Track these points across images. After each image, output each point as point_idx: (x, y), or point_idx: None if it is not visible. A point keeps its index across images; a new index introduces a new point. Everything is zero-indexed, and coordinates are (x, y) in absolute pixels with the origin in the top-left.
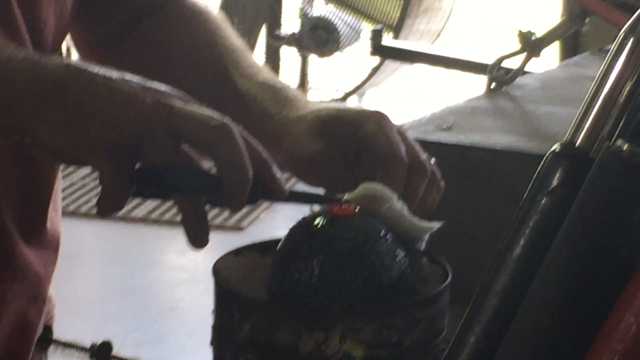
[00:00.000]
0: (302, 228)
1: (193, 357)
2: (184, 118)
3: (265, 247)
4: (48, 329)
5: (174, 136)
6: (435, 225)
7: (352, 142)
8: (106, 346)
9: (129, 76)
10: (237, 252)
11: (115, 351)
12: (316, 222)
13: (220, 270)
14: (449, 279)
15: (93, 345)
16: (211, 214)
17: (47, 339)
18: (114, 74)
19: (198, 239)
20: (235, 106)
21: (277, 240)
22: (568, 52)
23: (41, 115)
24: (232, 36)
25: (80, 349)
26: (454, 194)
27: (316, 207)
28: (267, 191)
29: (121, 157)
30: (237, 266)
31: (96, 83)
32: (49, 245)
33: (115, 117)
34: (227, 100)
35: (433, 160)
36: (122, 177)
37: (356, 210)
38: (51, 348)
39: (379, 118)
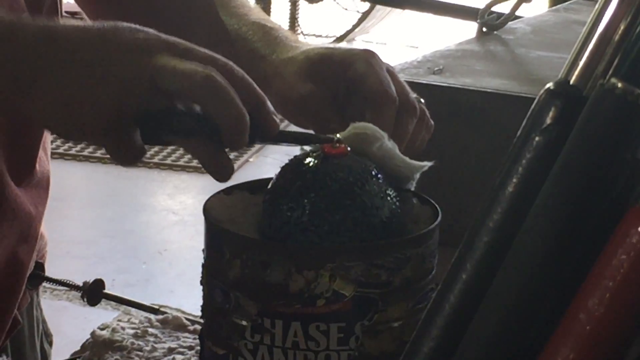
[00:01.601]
0: (294, 166)
1: (182, 299)
2: (167, 77)
3: (256, 186)
4: (40, 266)
5: (162, 95)
6: (426, 164)
7: (342, 82)
8: (98, 284)
9: (111, 25)
10: (228, 192)
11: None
12: (307, 160)
13: (210, 209)
14: (438, 219)
15: (85, 283)
16: None
17: (39, 277)
18: (91, 30)
19: (221, 173)
20: (224, 47)
21: (268, 180)
22: None
23: (27, 96)
24: None
25: (73, 286)
26: (444, 136)
27: (308, 148)
28: (263, 129)
29: (117, 131)
30: (227, 205)
31: (72, 60)
32: (39, 185)
33: (98, 98)
34: (216, 40)
35: (422, 100)
36: (125, 146)
37: (348, 150)
38: (43, 286)
39: (368, 57)
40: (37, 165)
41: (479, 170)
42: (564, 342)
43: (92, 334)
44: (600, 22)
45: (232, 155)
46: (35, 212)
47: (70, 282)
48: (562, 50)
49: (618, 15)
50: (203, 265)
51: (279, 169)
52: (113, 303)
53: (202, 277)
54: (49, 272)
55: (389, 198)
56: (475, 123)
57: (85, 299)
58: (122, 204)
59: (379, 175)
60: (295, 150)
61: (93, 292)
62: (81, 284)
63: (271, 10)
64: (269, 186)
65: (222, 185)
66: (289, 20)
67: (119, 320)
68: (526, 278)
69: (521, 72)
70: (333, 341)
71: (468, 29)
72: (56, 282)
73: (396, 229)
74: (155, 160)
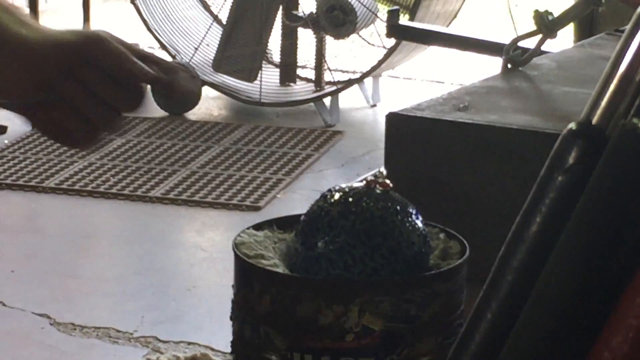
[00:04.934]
0: (337, 192)
1: (211, 336)
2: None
3: (285, 222)
4: None
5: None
6: None
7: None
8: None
9: None
10: (258, 227)
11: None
12: (350, 189)
13: (240, 244)
14: (466, 254)
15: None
16: (228, 194)
17: None
18: None
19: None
20: None
21: (297, 216)
22: (584, 33)
23: None
24: None
25: None
26: (470, 172)
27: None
28: None
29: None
30: (257, 241)
31: None
32: None
33: None
34: None
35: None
36: None
37: (391, 186)
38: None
39: (99, 44)
40: None
41: (504, 206)
42: None
43: None
44: (621, 61)
45: (260, 192)
46: None
47: None
48: (587, 86)
49: (639, 55)
50: (233, 301)
51: (306, 206)
52: (142, 340)
53: (231, 312)
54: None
55: (423, 237)
56: (500, 159)
57: None
58: (150, 241)
59: (418, 214)
60: (325, 187)
61: None
62: None
63: (297, 45)
64: (305, 213)
65: (251, 222)
66: (315, 56)
67: (148, 358)
68: (550, 317)
69: (546, 108)
70: None
71: (493, 64)
72: None
73: (425, 266)
74: (183, 197)
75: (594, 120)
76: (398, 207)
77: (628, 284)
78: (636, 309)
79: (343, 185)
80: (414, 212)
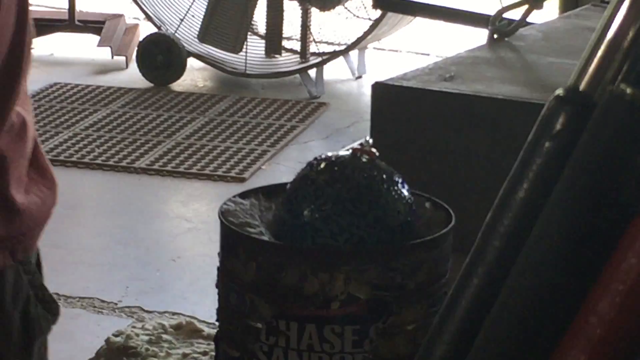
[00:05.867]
0: (323, 160)
1: (195, 306)
2: None
3: (272, 191)
4: None
5: None
6: None
7: None
8: None
9: None
10: (244, 195)
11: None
12: (337, 157)
13: (226, 212)
14: (452, 223)
15: None
16: (213, 165)
17: None
18: None
19: None
20: None
21: (284, 184)
22: (569, 4)
23: None
24: None
25: None
26: (456, 142)
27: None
28: None
29: None
30: (243, 209)
31: None
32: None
33: None
34: None
35: None
36: None
37: (377, 155)
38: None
39: None
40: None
41: (491, 176)
42: (575, 344)
43: (107, 340)
44: (609, 28)
45: (245, 163)
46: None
47: None
48: (572, 56)
49: (627, 21)
50: (218, 269)
51: (291, 177)
52: (127, 310)
53: (217, 280)
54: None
55: (409, 206)
56: (486, 129)
57: None
58: (135, 211)
59: (404, 183)
60: (309, 159)
61: None
62: None
63: (283, 17)
64: (291, 182)
65: (234, 194)
66: (300, 28)
67: (133, 327)
68: (537, 282)
69: (532, 78)
70: (348, 344)
71: (479, 36)
72: None
73: (410, 234)
74: (168, 168)
75: (582, 86)
76: (384, 176)
77: (614, 249)
78: (622, 274)
79: (329, 154)
80: (400, 180)
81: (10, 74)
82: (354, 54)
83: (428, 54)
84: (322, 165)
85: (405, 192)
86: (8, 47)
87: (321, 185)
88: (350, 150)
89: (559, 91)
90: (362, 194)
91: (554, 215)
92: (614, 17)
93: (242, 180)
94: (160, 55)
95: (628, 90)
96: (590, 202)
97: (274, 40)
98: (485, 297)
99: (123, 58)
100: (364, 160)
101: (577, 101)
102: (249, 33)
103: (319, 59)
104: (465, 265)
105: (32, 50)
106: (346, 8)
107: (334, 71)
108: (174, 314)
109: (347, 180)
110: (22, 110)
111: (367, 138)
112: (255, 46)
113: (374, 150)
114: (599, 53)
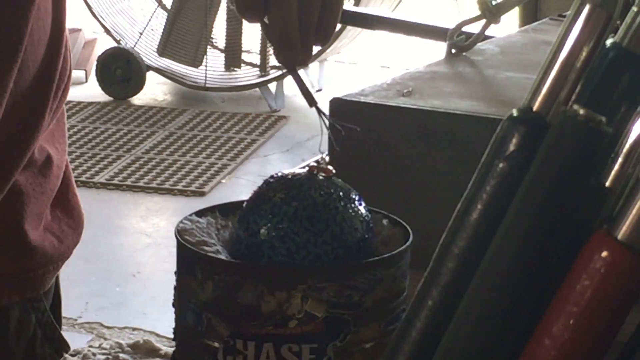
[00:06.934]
0: (279, 178)
1: (155, 322)
2: None
3: (228, 209)
4: None
5: None
6: None
7: None
8: None
9: None
10: (200, 213)
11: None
12: (293, 175)
13: (182, 231)
14: (409, 240)
15: None
16: (173, 179)
17: None
18: None
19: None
20: None
21: (240, 202)
22: (528, 18)
23: None
24: None
25: None
26: (413, 158)
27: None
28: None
29: None
30: (199, 227)
31: None
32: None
33: None
34: None
35: None
36: None
37: (334, 172)
38: None
39: None
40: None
41: (448, 192)
42: None
43: None
44: (563, 47)
45: (205, 177)
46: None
47: None
48: (530, 71)
49: (580, 40)
50: (175, 288)
51: (251, 191)
52: (87, 326)
53: (174, 299)
54: None
55: (366, 223)
56: (444, 145)
57: None
58: (94, 226)
59: (361, 200)
60: (270, 172)
61: None
62: None
63: (242, 30)
64: (248, 200)
65: (196, 208)
66: (260, 41)
67: (90, 347)
68: (491, 304)
69: (490, 93)
70: None
71: (438, 50)
72: None
73: (368, 252)
74: (128, 182)
75: (535, 106)
76: (341, 194)
77: (567, 271)
78: (576, 296)
79: (285, 172)
80: (357, 198)
81: (36, 105)
82: (314, 66)
83: (388, 67)
84: (278, 183)
85: (362, 209)
86: (39, 64)
87: (277, 204)
88: (307, 168)
89: (513, 111)
90: (319, 212)
91: (508, 237)
92: (567, 36)
93: (202, 194)
94: (120, 69)
95: (581, 111)
96: (543, 223)
97: (233, 54)
98: (440, 319)
99: (82, 72)
100: (321, 177)
101: (531, 122)
102: (209, 46)
103: (279, 72)
104: (420, 286)
105: (69, 86)
106: None
107: (294, 84)
108: (134, 329)
109: (304, 198)
110: (49, 145)
111: (324, 155)
112: (215, 60)
113: (330, 167)
114: (553, 72)
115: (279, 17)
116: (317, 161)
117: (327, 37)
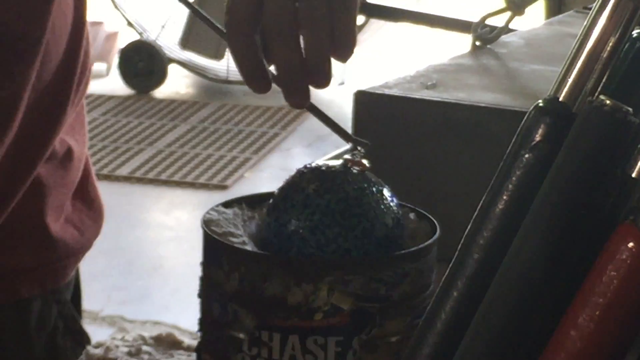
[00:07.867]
0: (313, 169)
1: (177, 315)
2: None
3: (255, 200)
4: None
5: None
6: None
7: None
8: None
9: None
10: (227, 204)
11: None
12: (329, 165)
13: (209, 221)
14: (437, 234)
15: None
16: (195, 173)
17: None
18: None
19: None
20: None
21: (268, 194)
22: (553, 10)
23: None
24: None
25: None
26: (438, 150)
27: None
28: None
29: None
30: (226, 218)
31: None
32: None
33: None
34: None
35: None
36: None
37: (368, 167)
38: None
39: None
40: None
41: (473, 185)
42: (555, 358)
43: (86, 352)
44: (589, 38)
45: (227, 170)
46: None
47: None
48: (555, 64)
49: (607, 31)
50: (201, 278)
51: (273, 184)
52: (108, 320)
53: (199, 290)
54: None
55: (397, 220)
56: (468, 137)
57: None
58: (116, 219)
59: (393, 197)
60: (292, 166)
61: None
62: None
63: None
64: (279, 188)
65: (218, 201)
66: None
67: (113, 338)
68: (517, 295)
69: (514, 86)
70: (330, 355)
71: (463, 43)
72: None
73: (396, 246)
74: (150, 176)
75: (561, 97)
76: (374, 189)
77: (594, 261)
78: (602, 287)
79: (319, 163)
80: (389, 194)
81: (58, 98)
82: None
83: (411, 60)
84: (312, 174)
85: (393, 205)
86: (61, 56)
87: (310, 195)
88: (342, 161)
89: (539, 102)
90: (351, 206)
91: (534, 227)
92: (594, 27)
93: (224, 187)
94: (142, 62)
95: (607, 102)
96: (569, 214)
97: None
98: (465, 310)
99: (104, 65)
100: (355, 171)
101: (557, 112)
102: None
103: None
104: (445, 277)
105: (89, 79)
106: None
107: None
108: (155, 323)
109: (337, 191)
110: (69, 137)
111: (360, 148)
112: None
113: (365, 161)
114: (579, 63)
115: (282, 60)
116: (352, 154)
117: (346, 56)
